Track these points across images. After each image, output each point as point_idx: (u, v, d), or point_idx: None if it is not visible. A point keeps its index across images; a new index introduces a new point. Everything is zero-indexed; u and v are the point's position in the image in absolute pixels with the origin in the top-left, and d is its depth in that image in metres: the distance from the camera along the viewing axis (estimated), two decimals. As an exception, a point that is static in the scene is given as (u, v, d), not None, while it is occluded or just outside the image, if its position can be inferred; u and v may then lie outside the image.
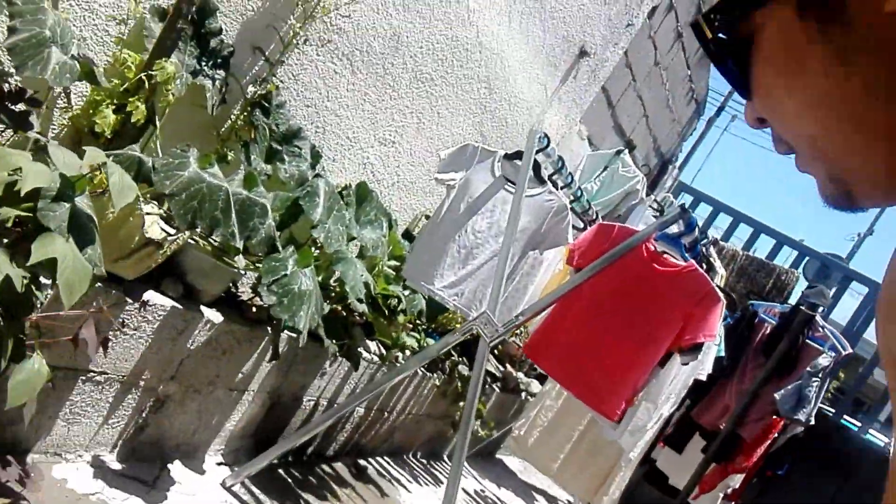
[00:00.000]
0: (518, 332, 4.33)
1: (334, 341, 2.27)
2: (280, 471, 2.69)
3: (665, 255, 2.18)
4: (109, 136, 1.82)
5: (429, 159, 3.48)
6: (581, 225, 2.60)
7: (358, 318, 2.63)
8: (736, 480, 3.86)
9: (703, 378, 2.61)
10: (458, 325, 2.92)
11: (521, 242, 2.20)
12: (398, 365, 2.93)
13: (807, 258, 5.84)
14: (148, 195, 1.89)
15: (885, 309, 0.59)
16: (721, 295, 2.13)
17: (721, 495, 3.93)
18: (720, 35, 0.54)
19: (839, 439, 5.35)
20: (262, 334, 2.25)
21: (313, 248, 2.37)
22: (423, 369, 3.37)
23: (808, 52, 0.50)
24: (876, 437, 5.71)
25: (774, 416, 3.34)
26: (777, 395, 3.11)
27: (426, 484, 3.60)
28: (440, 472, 3.93)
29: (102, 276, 1.37)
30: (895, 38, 0.47)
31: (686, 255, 2.20)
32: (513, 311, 2.29)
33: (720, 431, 3.26)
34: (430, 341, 3.05)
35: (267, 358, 2.25)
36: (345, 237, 2.26)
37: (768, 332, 3.43)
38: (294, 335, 2.19)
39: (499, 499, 4.13)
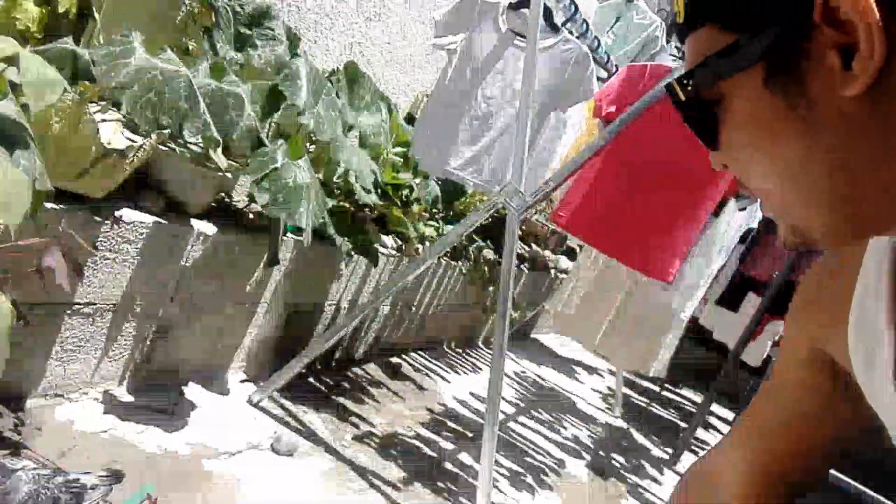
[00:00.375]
0: (541, 207, 4.09)
1: (346, 239, 2.05)
2: (310, 379, 2.57)
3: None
4: (40, 35, 1.53)
5: (422, 31, 3.12)
6: (604, 74, 2.29)
7: (369, 211, 2.41)
8: (781, 328, 3.71)
9: (755, 225, 2.37)
10: (479, 207, 2.69)
11: (540, 102, 1.92)
12: (418, 257, 2.74)
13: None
14: (105, 103, 1.62)
15: (798, 299, 0.78)
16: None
17: (770, 343, 3.80)
18: (690, 97, 0.57)
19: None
20: (266, 241, 2.04)
21: (307, 143, 2.11)
22: (446, 258, 3.17)
23: (775, 125, 0.53)
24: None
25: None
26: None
27: (465, 373, 3.50)
28: (477, 360, 3.83)
29: (49, 192, 1.14)
30: (855, 117, 0.50)
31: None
32: (539, 181, 2.04)
33: (772, 282, 3.06)
34: (450, 229, 2.84)
35: (263, 263, 2.04)
36: (339, 124, 1.99)
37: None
38: (299, 237, 1.98)
39: (540, 376, 4.06)
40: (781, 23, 0.52)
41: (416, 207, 2.65)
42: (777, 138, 0.54)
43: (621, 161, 1.91)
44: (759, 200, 2.23)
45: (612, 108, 1.91)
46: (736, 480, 0.86)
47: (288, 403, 2.29)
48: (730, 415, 5.71)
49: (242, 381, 2.31)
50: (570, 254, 4.58)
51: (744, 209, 2.10)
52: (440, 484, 2.27)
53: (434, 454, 2.45)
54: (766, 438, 0.84)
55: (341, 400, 2.51)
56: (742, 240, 3.05)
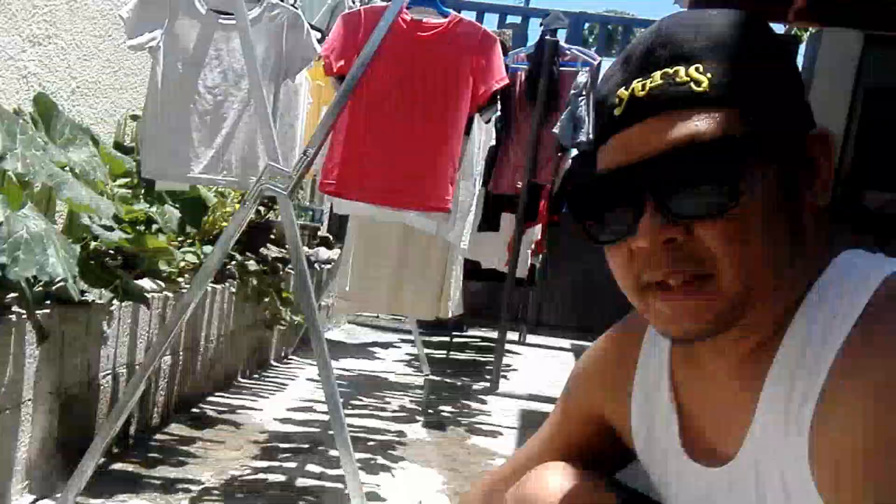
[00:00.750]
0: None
1: (103, 290, 1.77)
2: (113, 467, 2.21)
3: (424, 21, 1.95)
4: None
5: (103, 45, 2.77)
6: (318, 36, 2.24)
7: (113, 255, 2.11)
8: (536, 232, 4.06)
9: (493, 143, 2.53)
10: (229, 216, 2.51)
11: (267, 77, 1.82)
12: (185, 291, 2.47)
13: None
14: None
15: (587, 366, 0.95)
16: (494, 34, 1.97)
17: (529, 251, 4.13)
18: (724, 164, 0.63)
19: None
20: (8, 325, 1.68)
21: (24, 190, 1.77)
22: (210, 284, 2.92)
23: (777, 215, 0.64)
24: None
25: (560, 154, 3.46)
26: (555, 130, 3.18)
27: (271, 394, 3.30)
28: (277, 377, 3.64)
29: None
30: (803, 226, 0.66)
31: (444, 9, 1.99)
32: (290, 159, 1.94)
33: (519, 194, 3.31)
34: (209, 248, 2.61)
35: (35, 344, 1.69)
36: (50, 164, 1.69)
37: (524, 78, 3.47)
38: (48, 310, 1.66)
39: (344, 369, 3.98)
40: (793, 136, 0.65)
41: (161, 238, 2.39)
42: (774, 225, 0.64)
43: (368, 109, 1.89)
44: (498, 112, 2.40)
45: (342, 62, 1.88)
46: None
47: (97, 502, 1.95)
48: (512, 335, 6.16)
49: (36, 502, 1.91)
50: (326, 243, 4.52)
51: (489, 121, 2.22)
52: (308, 499, 2.12)
53: (283, 477, 2.28)
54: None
55: (158, 473, 2.21)
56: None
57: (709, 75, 0.63)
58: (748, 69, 0.64)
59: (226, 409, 2.93)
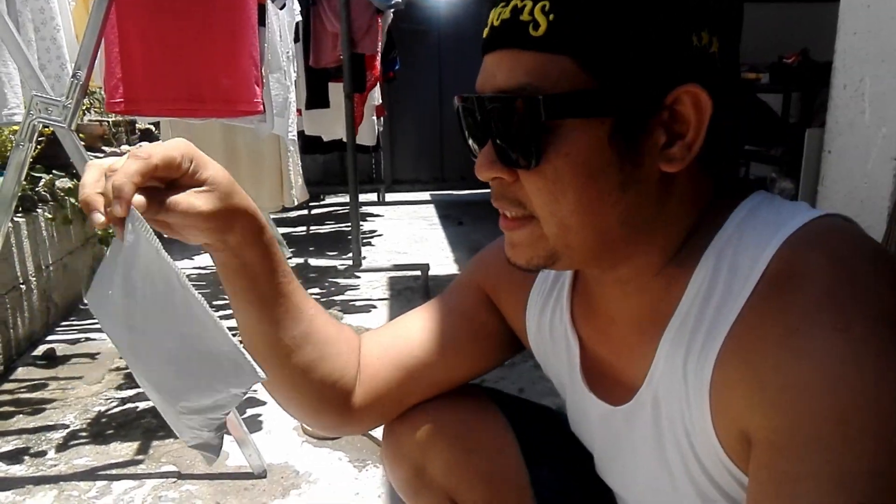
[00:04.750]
0: (86, 105, 3.54)
1: None
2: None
3: None
4: None
5: None
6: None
7: None
8: (375, 97, 3.93)
9: (299, 18, 2.30)
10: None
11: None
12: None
13: None
14: None
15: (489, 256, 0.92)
16: None
17: (374, 119, 4.03)
18: (519, 113, 0.59)
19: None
20: None
21: None
22: (21, 215, 2.61)
23: (601, 172, 0.60)
24: None
25: (377, 15, 3.25)
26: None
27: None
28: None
29: None
30: (655, 187, 0.62)
31: None
32: (63, 77, 1.67)
33: (341, 65, 3.11)
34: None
35: None
36: None
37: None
38: None
39: (199, 267, 3.81)
40: (641, 90, 0.59)
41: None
42: (596, 183, 0.60)
43: (140, 11, 1.62)
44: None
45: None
46: None
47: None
48: (372, 196, 6.13)
49: None
50: (147, 136, 4.14)
51: (283, 6, 1.99)
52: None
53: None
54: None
55: (15, 426, 2.06)
56: (296, 38, 3.01)
57: (551, 17, 0.57)
58: (595, 16, 0.57)
59: (75, 340, 2.75)
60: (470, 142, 0.68)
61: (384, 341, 0.90)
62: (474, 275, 0.93)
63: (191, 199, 0.63)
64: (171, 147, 0.62)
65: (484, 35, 0.64)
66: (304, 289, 0.81)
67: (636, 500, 0.79)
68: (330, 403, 0.85)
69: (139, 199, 0.59)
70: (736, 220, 0.65)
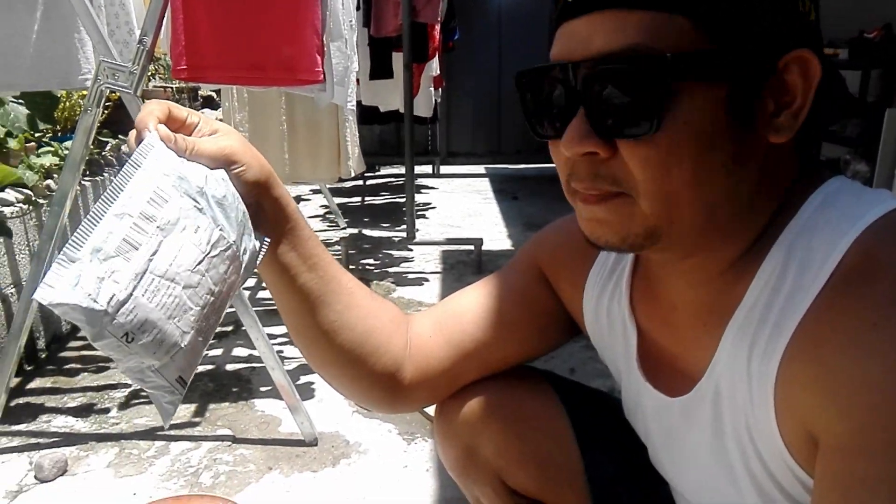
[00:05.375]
0: (152, 70, 3.61)
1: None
2: (31, 385, 2.13)
3: None
4: None
5: None
6: None
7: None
8: (433, 67, 3.89)
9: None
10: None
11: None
12: (54, 195, 2.26)
13: None
14: None
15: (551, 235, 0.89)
16: None
17: (431, 89, 4.00)
18: (642, 75, 0.55)
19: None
20: None
21: None
22: (86, 178, 2.69)
23: (720, 141, 0.57)
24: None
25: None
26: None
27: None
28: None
29: None
30: (762, 160, 0.59)
31: None
32: (130, 43, 1.69)
33: (402, 33, 3.08)
34: (68, 144, 2.37)
35: None
36: None
37: None
38: None
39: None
40: (757, 54, 0.56)
41: (13, 143, 2.14)
42: (712, 153, 0.57)
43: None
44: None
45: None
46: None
47: (22, 427, 1.89)
48: (427, 168, 6.12)
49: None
50: (209, 103, 4.20)
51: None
52: (241, 384, 2.12)
53: (211, 366, 2.26)
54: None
55: (79, 384, 2.14)
56: (357, 6, 2.99)
57: None
58: None
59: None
60: (537, 119, 0.63)
61: (438, 318, 0.89)
62: (534, 254, 0.90)
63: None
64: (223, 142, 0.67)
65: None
66: (339, 264, 0.81)
67: (691, 492, 0.76)
68: (379, 380, 0.84)
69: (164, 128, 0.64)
70: (811, 208, 0.61)
